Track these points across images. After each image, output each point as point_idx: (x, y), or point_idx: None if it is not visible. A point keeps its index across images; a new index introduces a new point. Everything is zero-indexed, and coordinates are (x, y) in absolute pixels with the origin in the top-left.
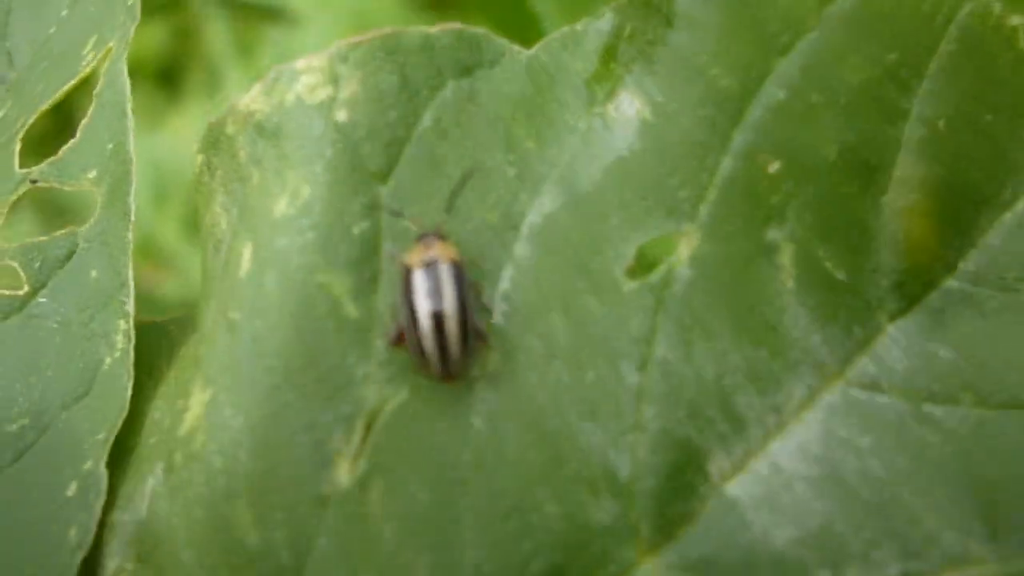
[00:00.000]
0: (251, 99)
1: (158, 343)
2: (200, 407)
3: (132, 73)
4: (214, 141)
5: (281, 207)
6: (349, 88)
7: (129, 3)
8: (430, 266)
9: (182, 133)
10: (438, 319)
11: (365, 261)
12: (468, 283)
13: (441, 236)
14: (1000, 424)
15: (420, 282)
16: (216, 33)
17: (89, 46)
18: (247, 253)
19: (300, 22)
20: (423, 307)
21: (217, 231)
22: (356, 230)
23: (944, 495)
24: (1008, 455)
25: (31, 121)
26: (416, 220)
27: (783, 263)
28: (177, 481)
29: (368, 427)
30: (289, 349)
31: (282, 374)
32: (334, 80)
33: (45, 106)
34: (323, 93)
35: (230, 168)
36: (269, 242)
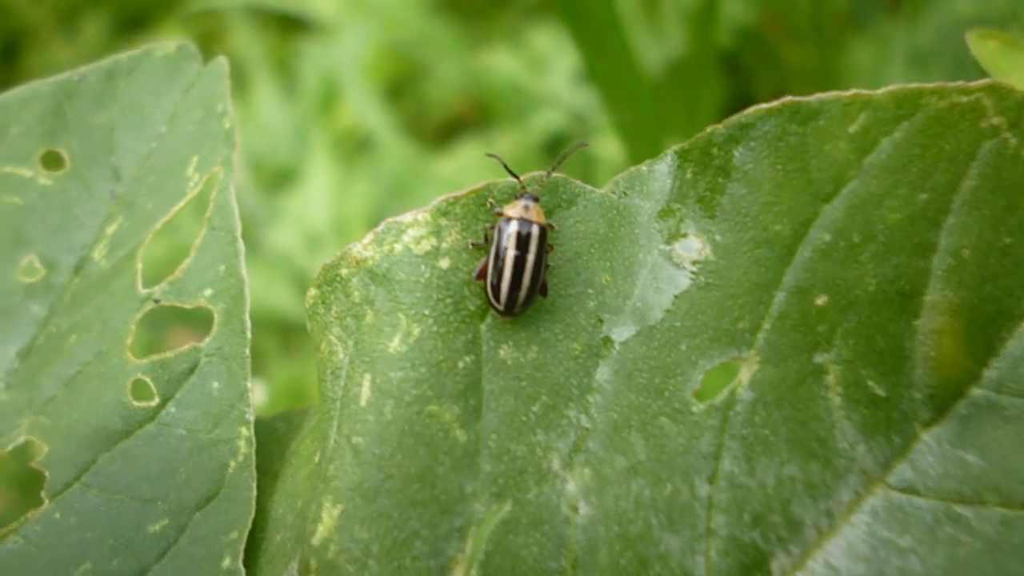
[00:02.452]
0: (363, 247)
1: (267, 439)
2: (331, 520)
3: None
4: (329, 280)
5: (395, 344)
6: (450, 238)
7: (226, 128)
8: (524, 222)
9: None
10: (519, 265)
11: (470, 391)
12: (548, 245)
13: (536, 199)
14: (1023, 524)
15: (512, 233)
16: (243, 40)
17: (192, 166)
18: (366, 384)
19: (332, 33)
20: (511, 253)
21: (334, 359)
22: (461, 364)
23: None
24: None
25: (148, 240)
26: (521, 179)
27: (831, 383)
28: None
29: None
30: (407, 471)
31: (402, 493)
32: (437, 232)
33: (158, 225)
34: (428, 244)
35: (344, 305)
36: (386, 375)
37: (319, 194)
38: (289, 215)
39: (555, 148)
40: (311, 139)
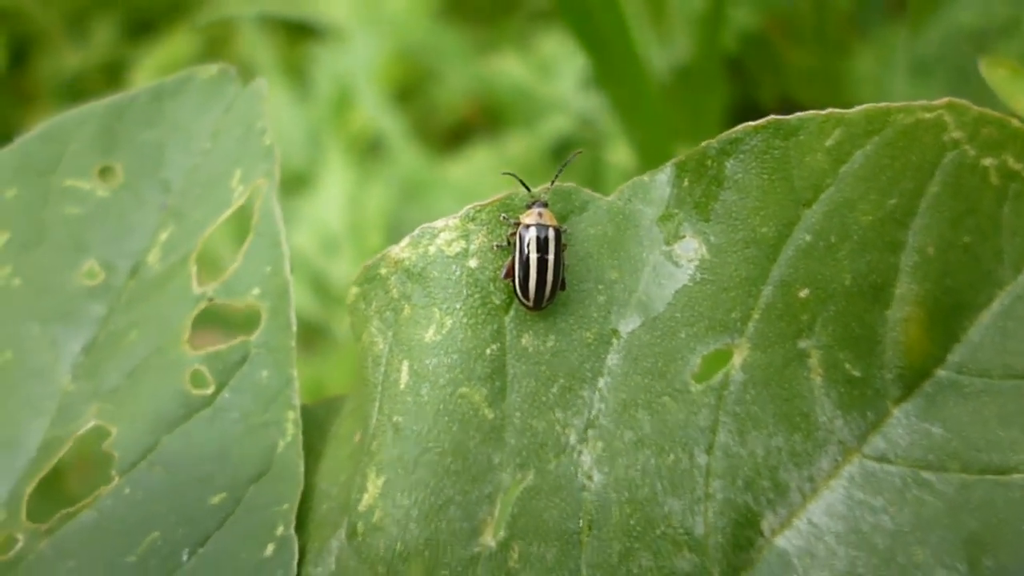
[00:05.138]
0: (401, 249)
1: (310, 424)
2: (376, 489)
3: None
4: (369, 278)
5: (430, 335)
6: (478, 240)
7: (266, 144)
8: (541, 227)
9: None
10: (542, 266)
11: (496, 375)
12: (563, 244)
13: (546, 204)
14: (979, 486)
15: (533, 237)
16: (252, 45)
17: (236, 179)
18: (404, 370)
19: (342, 38)
20: (534, 256)
21: (375, 349)
22: (488, 351)
23: (937, 542)
24: (985, 511)
25: (199, 246)
26: (532, 191)
27: (812, 365)
28: (360, 545)
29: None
30: (442, 445)
31: (438, 464)
32: (466, 235)
33: (207, 232)
34: (458, 246)
35: (384, 301)
36: (422, 362)
37: (334, 198)
38: (305, 219)
39: (564, 152)
40: (325, 143)
